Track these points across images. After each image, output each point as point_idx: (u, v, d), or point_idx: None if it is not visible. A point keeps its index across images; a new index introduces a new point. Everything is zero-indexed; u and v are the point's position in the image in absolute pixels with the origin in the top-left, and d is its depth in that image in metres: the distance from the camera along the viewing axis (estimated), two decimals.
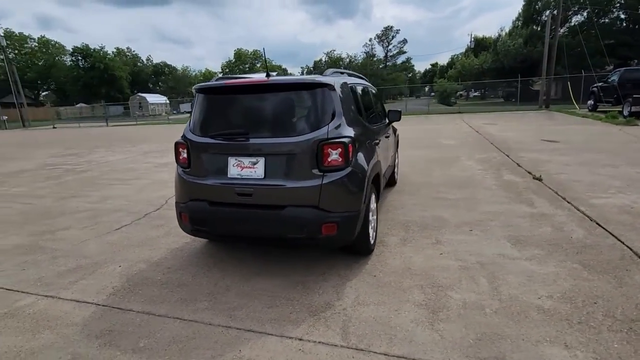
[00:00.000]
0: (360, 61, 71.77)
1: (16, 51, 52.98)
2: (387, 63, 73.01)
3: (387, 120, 4.72)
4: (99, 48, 54.60)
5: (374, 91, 4.35)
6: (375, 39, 73.03)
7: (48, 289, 2.83)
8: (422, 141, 10.72)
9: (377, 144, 3.51)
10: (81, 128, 27.43)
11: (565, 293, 2.47)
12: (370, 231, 3.15)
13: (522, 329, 2.13)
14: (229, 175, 2.74)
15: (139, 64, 65.03)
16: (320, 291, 2.64)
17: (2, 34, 46.12)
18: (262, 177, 2.66)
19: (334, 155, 2.59)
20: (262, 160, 2.66)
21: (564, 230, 3.56)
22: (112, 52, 60.69)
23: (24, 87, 52.72)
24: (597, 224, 3.67)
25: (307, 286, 2.72)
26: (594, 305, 2.31)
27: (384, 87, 33.72)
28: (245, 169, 2.70)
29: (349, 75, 3.62)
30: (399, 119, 4.77)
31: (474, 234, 3.58)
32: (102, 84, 53.40)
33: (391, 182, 5.46)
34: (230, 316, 2.37)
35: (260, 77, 2.80)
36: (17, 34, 53.41)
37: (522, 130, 12.21)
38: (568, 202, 4.37)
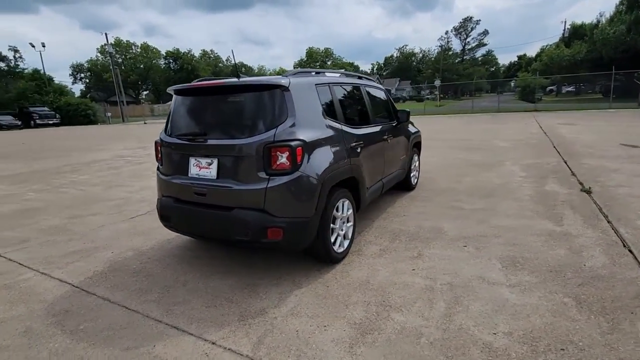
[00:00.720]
0: (433, 56, 68.26)
1: (123, 57, 61.28)
2: (465, 57, 68.22)
3: (396, 122, 4.44)
4: (187, 51, 60.52)
5: (373, 91, 4.11)
6: (452, 31, 68.80)
7: (47, 267, 3.24)
8: (470, 143, 9.85)
9: (362, 146, 3.31)
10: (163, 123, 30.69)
11: (532, 332, 2.07)
12: (339, 239, 3.01)
13: None
14: (189, 175, 2.84)
15: (220, 64, 70.50)
16: (264, 296, 2.60)
17: (112, 42, 53.77)
18: (215, 177, 2.70)
19: (282, 159, 2.51)
20: (215, 162, 2.70)
21: (581, 255, 2.98)
22: (199, 54, 66.77)
23: (128, 87, 60.90)
24: (630, 250, 3.00)
25: (255, 289, 2.70)
26: (557, 353, 1.90)
27: (458, 82, 31.38)
28: (203, 169, 2.77)
29: (336, 74, 3.47)
30: (406, 120, 4.47)
31: (465, 251, 3.19)
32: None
33: (405, 186, 5.12)
34: (168, 311, 2.47)
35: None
36: (125, 42, 61.70)
37: (603, 132, 10.48)
38: (608, 222, 3.65)
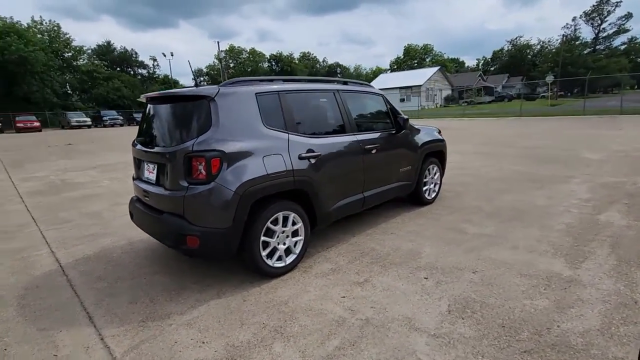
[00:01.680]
0: (554, 47, 59.08)
1: (234, 61, 68.45)
2: (597, 46, 57.34)
3: (395, 130, 4.04)
4: (288, 54, 64.50)
5: (357, 98, 3.81)
6: (581, 17, 58.43)
7: (58, 247, 3.88)
8: (547, 152, 8.32)
9: (320, 157, 3.11)
10: None
11: None
12: (278, 253, 2.91)
13: None
14: (143, 178, 3.08)
15: (317, 65, 73.23)
16: (181, 301, 2.67)
17: (226, 49, 60.57)
18: (154, 182, 2.87)
19: (200, 168, 2.54)
20: (155, 167, 2.87)
21: (566, 312, 2.30)
22: (298, 56, 70.51)
23: None
24: None
25: (180, 293, 2.78)
26: None
27: (587, 77, 26.22)
28: (150, 173, 2.97)
29: (291, 81, 3.32)
30: (402, 128, 4.03)
31: (420, 284, 2.74)
32: None
33: (417, 200, 4.62)
34: (99, 300, 2.72)
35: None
36: (237, 48, 68.82)
37: None
38: None
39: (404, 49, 69.30)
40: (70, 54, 47.21)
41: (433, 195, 4.83)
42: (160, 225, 2.78)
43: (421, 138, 4.46)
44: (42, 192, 6.71)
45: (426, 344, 2.07)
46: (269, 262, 2.87)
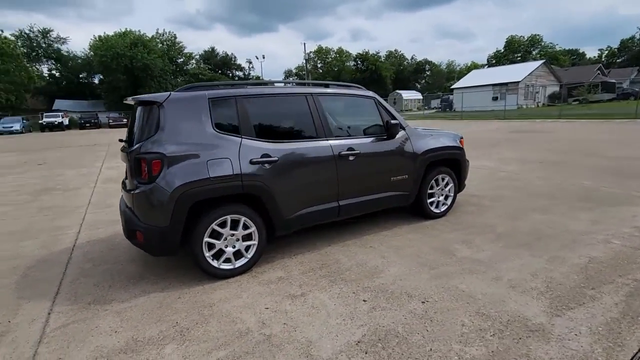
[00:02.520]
0: None
1: (322, 62, 70.38)
2: None
3: (387, 136, 3.74)
4: (374, 53, 63.85)
5: (337, 102, 3.63)
6: None
7: (85, 229, 4.55)
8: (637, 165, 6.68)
9: (278, 162, 3.04)
10: None
11: None
12: (224, 256, 2.95)
13: None
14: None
15: (405, 63, 70.85)
16: (131, 290, 2.90)
17: (314, 50, 62.64)
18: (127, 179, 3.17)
19: (145, 169, 2.72)
20: (128, 165, 3.16)
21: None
22: (384, 54, 69.23)
23: None
24: None
25: (136, 284, 3.02)
26: None
27: None
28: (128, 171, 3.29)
29: (249, 85, 3.32)
30: (393, 135, 3.70)
31: (353, 305, 2.51)
32: (371, 83, 62.37)
33: (419, 212, 4.21)
34: (74, 279, 3.13)
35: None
36: (324, 48, 70.63)
37: None
38: None
39: (506, 42, 62.55)
40: (182, 60, 54.30)
41: (443, 209, 4.32)
42: (122, 219, 3.07)
43: (423, 145, 4.01)
44: (114, 179, 7.89)
45: None
46: (215, 263, 2.93)
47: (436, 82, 67.72)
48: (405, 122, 4.04)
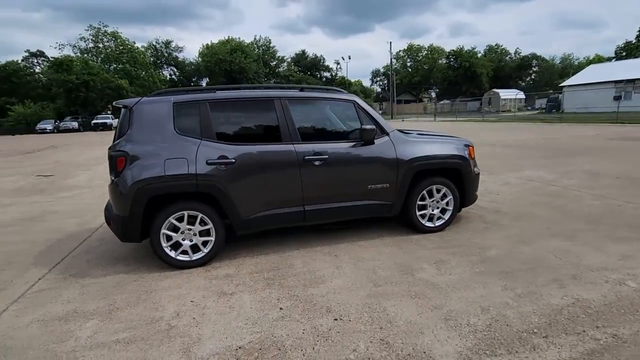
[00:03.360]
0: None
1: (412, 60, 67.92)
2: None
3: (364, 141, 3.57)
4: (470, 49, 59.10)
5: (306, 106, 3.62)
6: None
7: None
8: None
9: (235, 164, 3.16)
10: (417, 122, 32.21)
11: None
12: (182, 248, 3.20)
13: None
14: None
15: (507, 58, 63.90)
16: (103, 271, 3.34)
17: (405, 48, 60.82)
18: None
19: (113, 165, 3.11)
20: None
21: None
22: (483, 50, 63.51)
23: (412, 87, 67.50)
24: None
25: (115, 265, 3.47)
26: None
27: None
28: None
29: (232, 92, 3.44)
30: (368, 141, 3.51)
31: (266, 311, 2.50)
32: (464, 82, 57.97)
33: (410, 225, 3.89)
34: (77, 254, 3.72)
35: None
36: (415, 46, 67.98)
37: None
38: None
39: (638, 31, 51.68)
40: (274, 63, 58.27)
41: (439, 223, 3.91)
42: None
43: (410, 152, 3.68)
44: None
45: None
46: (172, 253, 3.19)
47: (545, 80, 59.51)
48: (391, 127, 3.77)
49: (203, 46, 50.53)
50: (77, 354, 2.13)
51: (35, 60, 49.77)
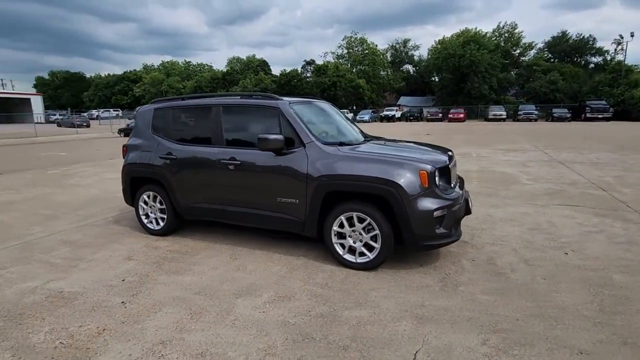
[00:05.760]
0: None
1: None
2: None
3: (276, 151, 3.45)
4: None
5: (239, 115, 3.78)
6: None
7: None
8: None
9: (177, 160, 3.90)
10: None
11: None
12: (152, 219, 4.29)
13: None
14: None
15: None
16: (90, 247, 4.86)
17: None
18: None
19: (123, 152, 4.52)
20: None
21: None
22: None
23: None
24: None
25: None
26: None
27: None
28: None
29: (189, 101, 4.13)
30: (276, 151, 3.36)
31: (109, 277, 3.18)
32: None
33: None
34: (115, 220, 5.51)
35: None
36: None
37: None
38: None
39: None
40: (518, 51, 50.13)
41: (361, 260, 3.18)
42: None
43: (324, 168, 3.19)
44: None
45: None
46: (145, 220, 4.33)
47: None
48: (311, 137, 3.33)
49: (435, 42, 50.13)
50: None
51: (308, 67, 64.72)
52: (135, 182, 4.36)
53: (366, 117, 42.13)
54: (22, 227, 4.71)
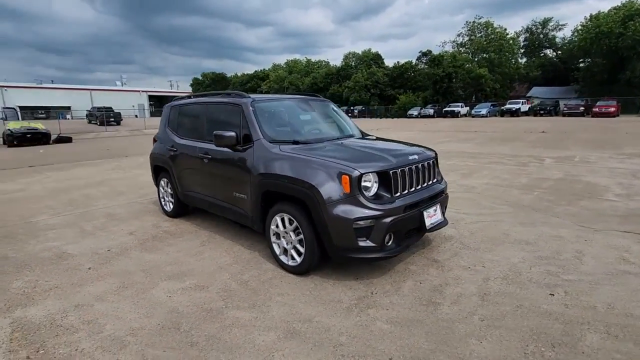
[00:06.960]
0: None
1: None
2: None
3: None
4: None
5: (221, 112, 3.93)
6: None
7: None
8: None
9: (177, 152, 4.41)
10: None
11: None
12: (167, 202, 4.97)
13: None
14: None
15: None
16: (104, 230, 5.68)
17: None
18: None
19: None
20: None
21: None
22: None
23: None
24: None
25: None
26: None
27: None
28: None
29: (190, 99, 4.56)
30: (228, 146, 3.53)
31: (89, 260, 3.85)
32: None
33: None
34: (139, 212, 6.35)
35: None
36: None
37: None
38: None
39: None
40: None
41: (291, 264, 3.10)
42: None
43: (264, 166, 3.20)
44: None
45: None
46: (162, 202, 5.03)
47: None
48: (260, 134, 3.34)
49: (586, 19, 40.83)
50: None
51: (423, 58, 61.20)
52: (156, 169, 5.10)
53: (483, 111, 37.83)
54: (96, 200, 6.00)
